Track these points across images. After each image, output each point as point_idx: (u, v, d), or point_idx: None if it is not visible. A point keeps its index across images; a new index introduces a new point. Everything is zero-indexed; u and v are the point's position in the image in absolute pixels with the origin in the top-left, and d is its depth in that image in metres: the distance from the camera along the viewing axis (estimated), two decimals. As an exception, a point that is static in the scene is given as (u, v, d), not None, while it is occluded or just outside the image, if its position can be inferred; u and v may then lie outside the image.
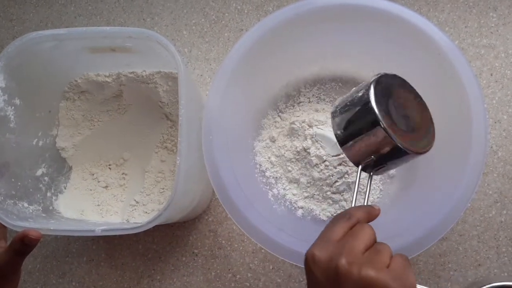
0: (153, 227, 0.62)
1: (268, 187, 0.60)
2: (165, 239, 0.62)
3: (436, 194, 0.52)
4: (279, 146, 0.60)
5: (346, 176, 0.58)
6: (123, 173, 0.61)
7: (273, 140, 0.61)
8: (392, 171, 0.60)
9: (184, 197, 0.47)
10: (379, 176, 0.60)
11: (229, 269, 0.61)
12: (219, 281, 0.61)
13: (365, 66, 0.61)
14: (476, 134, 0.49)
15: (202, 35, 0.67)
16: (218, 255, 0.61)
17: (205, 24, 0.67)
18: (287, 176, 0.60)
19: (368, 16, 0.52)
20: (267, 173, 0.60)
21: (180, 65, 0.45)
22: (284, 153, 0.60)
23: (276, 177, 0.60)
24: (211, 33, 0.67)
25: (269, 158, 0.61)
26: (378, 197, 0.59)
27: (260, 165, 0.61)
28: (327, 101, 0.62)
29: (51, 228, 0.45)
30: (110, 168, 0.61)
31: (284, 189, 0.60)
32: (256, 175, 0.60)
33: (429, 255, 0.60)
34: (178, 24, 0.67)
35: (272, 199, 0.59)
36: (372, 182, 0.59)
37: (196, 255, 0.61)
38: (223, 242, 0.62)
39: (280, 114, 0.62)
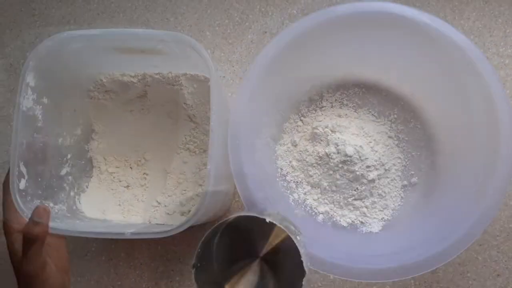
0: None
1: (289, 191, 0.60)
2: (185, 241, 0.62)
3: (460, 204, 0.52)
4: (301, 151, 0.60)
5: (368, 182, 0.58)
6: (144, 173, 0.61)
7: (294, 144, 0.61)
8: (414, 179, 0.60)
9: (212, 202, 0.47)
10: (400, 183, 0.60)
11: (247, 272, 0.61)
12: (237, 284, 0.61)
13: (389, 73, 0.61)
14: (504, 143, 0.49)
15: (225, 37, 0.67)
16: (237, 258, 0.61)
17: (228, 25, 0.67)
18: (308, 180, 0.60)
19: (393, 24, 0.52)
20: (288, 177, 0.60)
21: (212, 70, 0.45)
22: (306, 157, 0.59)
23: (297, 182, 0.60)
24: (235, 34, 0.67)
25: (290, 162, 0.61)
26: (399, 205, 0.59)
27: (281, 169, 0.61)
28: (350, 107, 0.62)
29: (80, 230, 0.45)
30: (131, 168, 0.61)
31: (304, 194, 0.60)
32: (277, 179, 0.60)
33: (449, 264, 0.60)
34: (202, 25, 0.67)
35: (293, 203, 0.59)
36: (393, 190, 0.59)
37: (215, 257, 0.61)
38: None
39: (302, 118, 0.62)
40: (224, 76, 0.66)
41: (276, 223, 0.37)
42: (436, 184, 0.58)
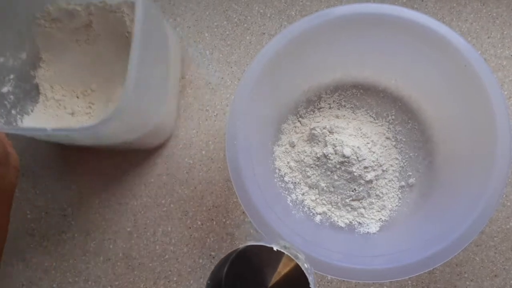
0: (170, 228, 0.62)
1: (287, 192, 0.60)
2: (183, 241, 0.62)
3: (457, 205, 0.52)
4: (299, 151, 0.60)
5: (366, 183, 0.58)
6: (89, 102, 0.62)
7: (292, 145, 0.61)
8: (411, 179, 0.60)
9: (134, 110, 0.50)
10: (397, 184, 0.60)
11: (245, 273, 0.61)
12: (235, 284, 0.61)
13: (387, 74, 0.61)
14: (501, 145, 0.49)
15: (224, 38, 0.67)
16: (234, 258, 0.61)
17: (227, 27, 0.67)
18: (306, 181, 0.60)
19: (391, 25, 0.53)
20: (286, 178, 0.60)
21: None
22: (304, 158, 0.60)
23: (295, 182, 0.60)
24: (233, 36, 0.67)
25: (288, 163, 0.61)
26: (396, 206, 0.59)
27: (279, 170, 0.61)
28: (347, 108, 0.62)
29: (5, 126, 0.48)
30: (77, 97, 0.63)
31: (302, 194, 0.60)
32: (275, 179, 0.60)
33: (446, 265, 0.60)
34: (200, 26, 0.67)
35: (291, 204, 0.60)
36: (390, 190, 0.60)
37: (213, 257, 0.62)
38: (240, 245, 0.62)
39: (300, 119, 0.62)
40: (222, 77, 0.66)
41: (284, 251, 0.38)
42: (434, 185, 0.58)
